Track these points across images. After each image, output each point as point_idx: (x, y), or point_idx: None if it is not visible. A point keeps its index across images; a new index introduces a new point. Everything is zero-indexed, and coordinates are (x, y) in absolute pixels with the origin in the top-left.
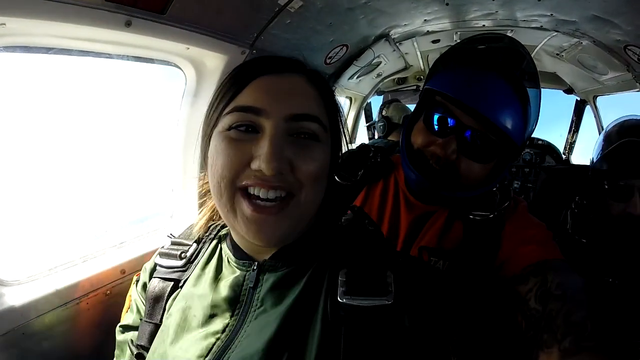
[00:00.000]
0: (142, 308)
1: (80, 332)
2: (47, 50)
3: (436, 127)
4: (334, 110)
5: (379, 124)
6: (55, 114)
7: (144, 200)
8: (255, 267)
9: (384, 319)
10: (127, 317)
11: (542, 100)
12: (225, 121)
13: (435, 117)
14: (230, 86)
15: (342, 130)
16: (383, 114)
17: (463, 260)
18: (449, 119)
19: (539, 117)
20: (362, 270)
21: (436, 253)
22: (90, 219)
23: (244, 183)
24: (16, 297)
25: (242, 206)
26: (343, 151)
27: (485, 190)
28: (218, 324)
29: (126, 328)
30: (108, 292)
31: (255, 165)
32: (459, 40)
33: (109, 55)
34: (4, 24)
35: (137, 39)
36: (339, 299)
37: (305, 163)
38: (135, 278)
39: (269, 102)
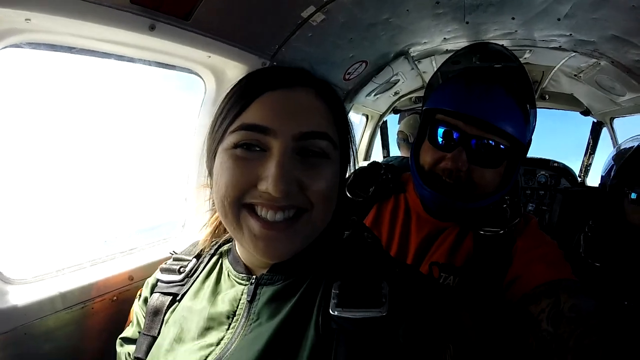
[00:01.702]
0: (142, 321)
1: (84, 336)
2: (71, 49)
3: (442, 142)
4: (344, 124)
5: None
6: (75, 115)
7: (158, 208)
8: (253, 281)
9: (377, 330)
10: (127, 330)
11: (559, 123)
12: (231, 139)
13: (440, 133)
14: (236, 101)
15: (351, 144)
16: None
17: (473, 276)
18: (453, 132)
19: (555, 140)
20: (356, 281)
21: (446, 269)
22: (102, 224)
23: (250, 201)
24: (21, 296)
25: (249, 223)
26: (352, 166)
27: (502, 194)
28: (213, 336)
29: (125, 340)
30: (115, 297)
31: (262, 187)
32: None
33: (131, 59)
34: (30, 20)
35: (160, 43)
36: (330, 311)
37: (314, 182)
38: (139, 292)
39: (277, 120)
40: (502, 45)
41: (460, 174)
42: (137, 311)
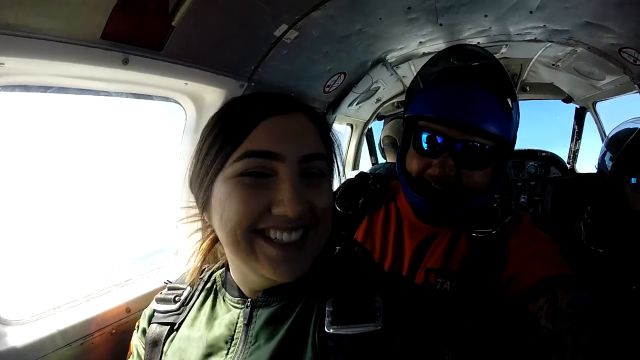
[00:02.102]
0: (143, 353)
1: None
2: (46, 89)
3: (427, 149)
4: (330, 141)
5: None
6: (57, 152)
7: (149, 237)
8: (248, 304)
9: (373, 344)
10: None
11: (542, 113)
12: (236, 167)
13: (424, 139)
14: (234, 129)
15: (336, 159)
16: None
17: (469, 279)
18: (437, 138)
19: (540, 129)
20: (349, 297)
21: (442, 274)
22: (95, 257)
23: (262, 227)
24: (19, 337)
25: (265, 249)
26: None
27: (493, 193)
28: None
29: None
30: (114, 331)
31: (277, 210)
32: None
33: (107, 93)
34: (3, 64)
35: (135, 75)
36: (325, 329)
37: (320, 201)
38: (137, 324)
39: (283, 145)
40: (477, 43)
41: (449, 179)
42: (137, 343)
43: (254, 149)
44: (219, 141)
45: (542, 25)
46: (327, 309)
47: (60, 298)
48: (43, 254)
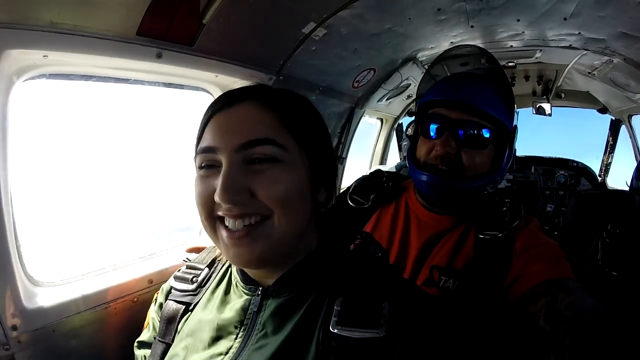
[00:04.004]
0: (158, 327)
1: (107, 334)
2: (87, 78)
3: (431, 132)
4: (304, 127)
5: (404, 144)
6: (100, 136)
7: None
8: (259, 292)
9: (373, 351)
10: (144, 334)
11: (576, 121)
12: (197, 162)
13: (428, 124)
14: (199, 130)
15: (320, 143)
16: (407, 133)
17: (473, 279)
18: (439, 120)
19: (573, 138)
20: (358, 299)
21: (447, 272)
22: (127, 231)
23: (219, 214)
24: (49, 298)
25: (221, 233)
26: (339, 165)
27: (495, 176)
28: (222, 345)
29: (142, 344)
30: (135, 299)
31: (216, 198)
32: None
33: (142, 82)
34: (47, 56)
35: (168, 68)
36: (331, 328)
37: (264, 188)
38: (155, 296)
39: (220, 138)
40: (511, 47)
41: (451, 156)
42: (153, 316)
43: (202, 146)
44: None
45: (577, 32)
46: (335, 308)
47: (89, 265)
48: (81, 225)
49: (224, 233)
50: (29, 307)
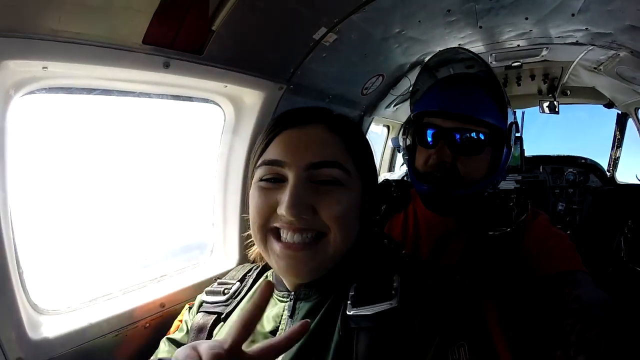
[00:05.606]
0: (189, 331)
1: None
2: (89, 91)
3: (427, 141)
4: (362, 153)
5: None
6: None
7: (186, 235)
8: (292, 297)
9: (391, 323)
10: (177, 334)
11: (583, 118)
12: (257, 174)
13: (424, 134)
14: (261, 142)
15: (372, 168)
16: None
17: (484, 276)
18: (434, 130)
19: (580, 135)
20: (370, 280)
21: (457, 270)
22: (133, 251)
23: (274, 225)
24: (55, 327)
25: (272, 245)
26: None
27: (492, 179)
28: None
29: (173, 342)
30: (147, 324)
31: (279, 210)
32: (494, 62)
33: (149, 95)
34: (46, 67)
35: (176, 79)
36: (347, 312)
37: (327, 207)
38: (187, 305)
39: (290, 154)
40: (517, 46)
41: (446, 164)
42: (187, 319)
43: (268, 158)
44: (254, 153)
45: (584, 28)
46: (350, 293)
47: (97, 290)
48: (85, 247)
49: (276, 245)
50: (33, 337)
